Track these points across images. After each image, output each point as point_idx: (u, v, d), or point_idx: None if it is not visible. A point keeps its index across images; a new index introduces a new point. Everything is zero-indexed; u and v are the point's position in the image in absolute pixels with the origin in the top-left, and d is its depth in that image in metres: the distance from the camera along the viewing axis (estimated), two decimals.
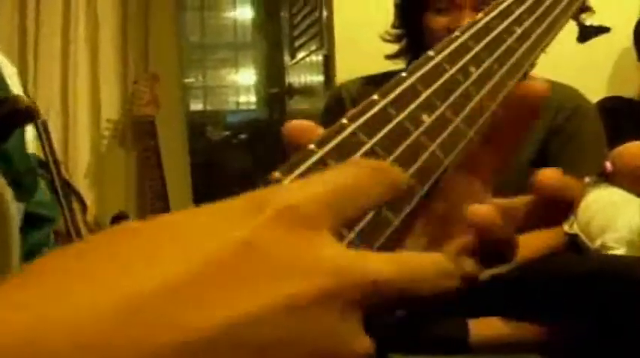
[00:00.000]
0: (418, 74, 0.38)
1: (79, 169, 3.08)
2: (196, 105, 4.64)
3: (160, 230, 0.25)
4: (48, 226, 0.65)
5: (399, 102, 0.36)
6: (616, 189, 1.78)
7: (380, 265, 0.26)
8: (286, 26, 3.43)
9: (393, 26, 1.71)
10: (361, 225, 0.29)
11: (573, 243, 1.67)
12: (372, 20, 2.04)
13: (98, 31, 3.14)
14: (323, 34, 2.60)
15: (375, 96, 0.36)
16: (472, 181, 0.41)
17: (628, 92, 2.17)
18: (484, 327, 1.44)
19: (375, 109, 0.35)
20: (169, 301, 0.22)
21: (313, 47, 2.79)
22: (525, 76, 0.45)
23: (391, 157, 0.34)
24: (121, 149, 3.18)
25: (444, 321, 1.40)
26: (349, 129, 0.33)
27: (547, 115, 1.63)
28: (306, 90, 3.06)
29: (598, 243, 1.68)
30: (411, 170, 0.35)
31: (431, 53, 0.40)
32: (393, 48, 1.72)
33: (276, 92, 4.11)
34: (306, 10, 2.89)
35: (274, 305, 0.23)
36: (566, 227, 1.59)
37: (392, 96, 0.36)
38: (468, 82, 0.41)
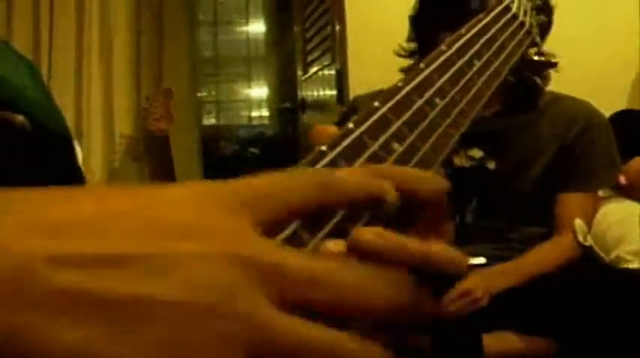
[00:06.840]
0: (389, 104, 0.41)
1: (93, 184, 3.09)
2: (209, 120, 4.67)
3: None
4: None
5: (373, 132, 0.38)
6: (630, 202, 1.77)
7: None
8: (299, 41, 3.45)
9: (408, 39, 1.71)
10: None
11: (588, 255, 1.66)
12: (384, 35, 2.04)
13: (112, 47, 3.16)
14: (335, 49, 2.60)
15: (350, 125, 0.37)
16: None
17: None
18: (498, 342, 1.44)
19: (352, 137, 0.37)
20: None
21: (326, 62, 2.80)
22: None
23: None
24: (135, 164, 3.19)
25: (459, 336, 1.39)
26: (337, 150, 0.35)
27: (559, 130, 1.63)
28: (319, 105, 3.06)
29: (613, 255, 1.67)
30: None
31: (399, 84, 0.43)
32: (405, 62, 1.72)
33: (288, 106, 4.12)
34: (319, 24, 2.90)
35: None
36: (580, 238, 1.58)
37: (366, 125, 0.38)
38: (434, 113, 0.44)
